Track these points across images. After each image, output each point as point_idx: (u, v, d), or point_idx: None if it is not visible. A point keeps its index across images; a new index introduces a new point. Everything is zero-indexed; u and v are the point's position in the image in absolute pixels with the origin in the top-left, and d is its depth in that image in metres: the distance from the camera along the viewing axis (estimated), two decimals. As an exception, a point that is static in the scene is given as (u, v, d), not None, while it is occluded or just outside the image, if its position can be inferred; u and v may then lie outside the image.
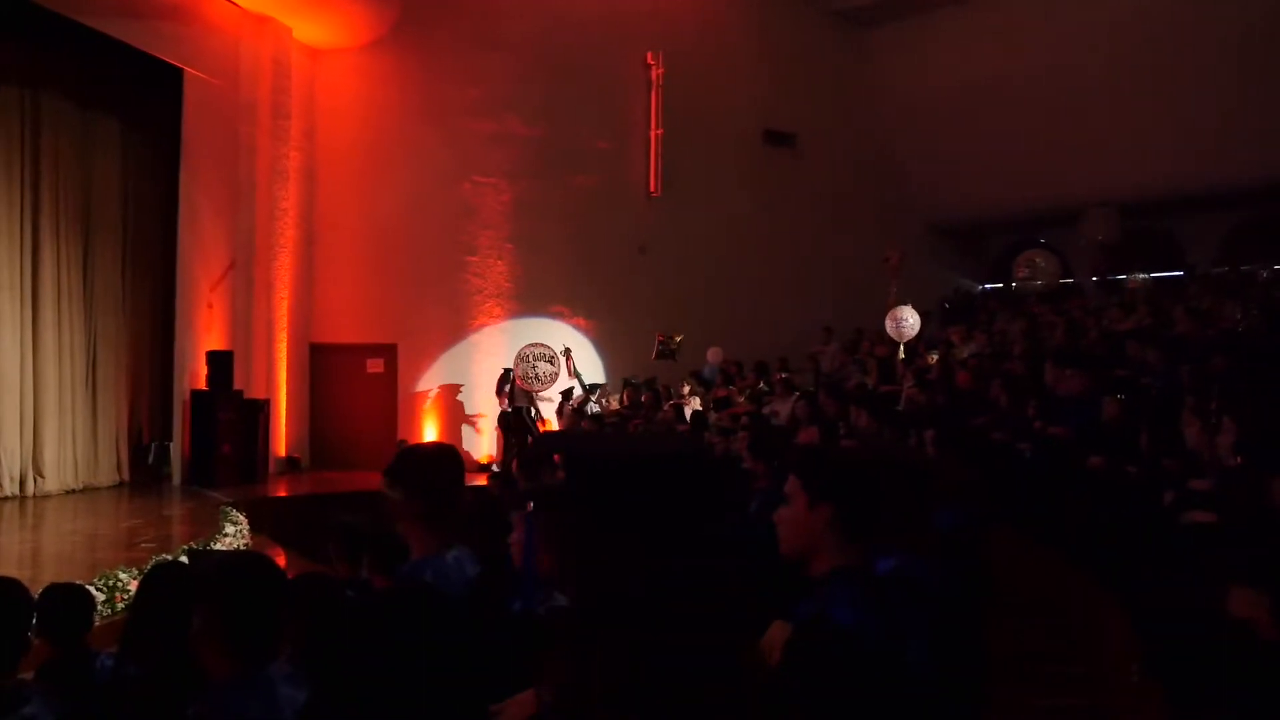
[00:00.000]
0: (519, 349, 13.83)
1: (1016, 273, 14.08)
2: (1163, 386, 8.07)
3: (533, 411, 13.57)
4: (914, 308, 12.41)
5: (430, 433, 14.25)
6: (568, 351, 13.85)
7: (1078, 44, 14.31)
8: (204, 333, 12.64)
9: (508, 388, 13.46)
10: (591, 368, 14.13)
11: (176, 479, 12.32)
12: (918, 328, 12.47)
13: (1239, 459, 5.34)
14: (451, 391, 14.44)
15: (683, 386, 12.64)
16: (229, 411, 12.23)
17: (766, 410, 10.26)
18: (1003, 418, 8.47)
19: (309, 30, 13.63)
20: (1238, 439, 5.48)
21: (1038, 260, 13.99)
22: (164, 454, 12.64)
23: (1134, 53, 13.85)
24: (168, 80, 12.16)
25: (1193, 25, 13.22)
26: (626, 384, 13.37)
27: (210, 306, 12.75)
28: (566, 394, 13.57)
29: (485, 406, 14.34)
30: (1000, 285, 17.81)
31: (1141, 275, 14.23)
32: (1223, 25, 12.99)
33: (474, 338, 14.50)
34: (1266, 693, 2.13)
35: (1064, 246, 16.61)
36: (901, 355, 12.24)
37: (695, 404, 11.88)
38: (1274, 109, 13.06)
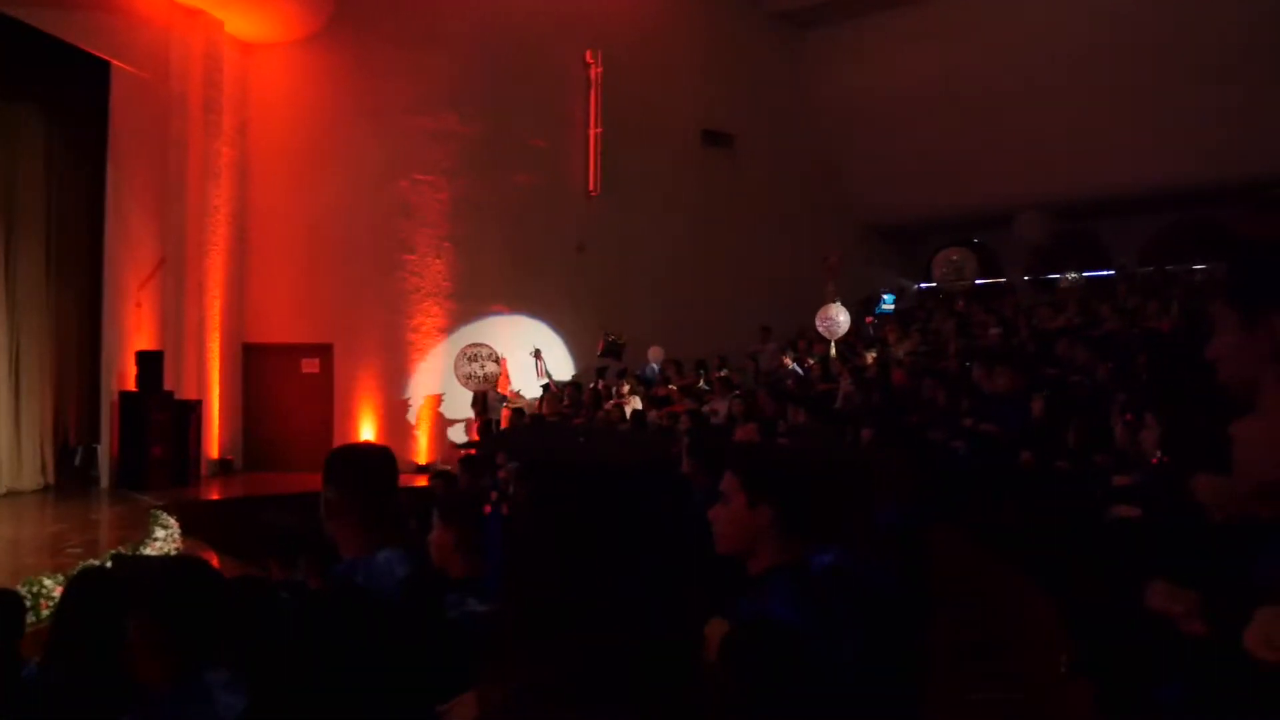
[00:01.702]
0: (462, 347, 13.66)
1: (935, 271, 14.30)
2: (1092, 384, 8.26)
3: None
4: (846, 307, 12.63)
5: (372, 433, 14.09)
6: (538, 352, 13.77)
7: (1011, 49, 14.60)
8: (133, 332, 12.34)
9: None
10: (531, 367, 14.02)
11: (105, 482, 12.04)
12: (848, 326, 12.64)
13: (1161, 455, 5.47)
14: (435, 401, 14.33)
15: (623, 385, 12.65)
16: (159, 413, 11.96)
17: (706, 409, 10.31)
18: (938, 416, 8.61)
19: (241, 24, 13.37)
20: (1161, 435, 5.61)
21: (954, 258, 14.21)
22: (91, 457, 12.33)
23: (1066, 59, 14.17)
24: (94, 72, 11.84)
25: (1124, 33, 13.55)
26: (599, 376, 13.32)
27: (139, 305, 12.45)
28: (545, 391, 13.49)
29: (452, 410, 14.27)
30: (934, 285, 18.11)
31: (1073, 275, 14.54)
32: (1154, 33, 13.32)
33: (412, 337, 14.35)
34: (1190, 687, 2.19)
35: (997, 246, 16.94)
36: (834, 353, 12.42)
37: (636, 403, 11.90)
38: (1201, 115, 13.46)
